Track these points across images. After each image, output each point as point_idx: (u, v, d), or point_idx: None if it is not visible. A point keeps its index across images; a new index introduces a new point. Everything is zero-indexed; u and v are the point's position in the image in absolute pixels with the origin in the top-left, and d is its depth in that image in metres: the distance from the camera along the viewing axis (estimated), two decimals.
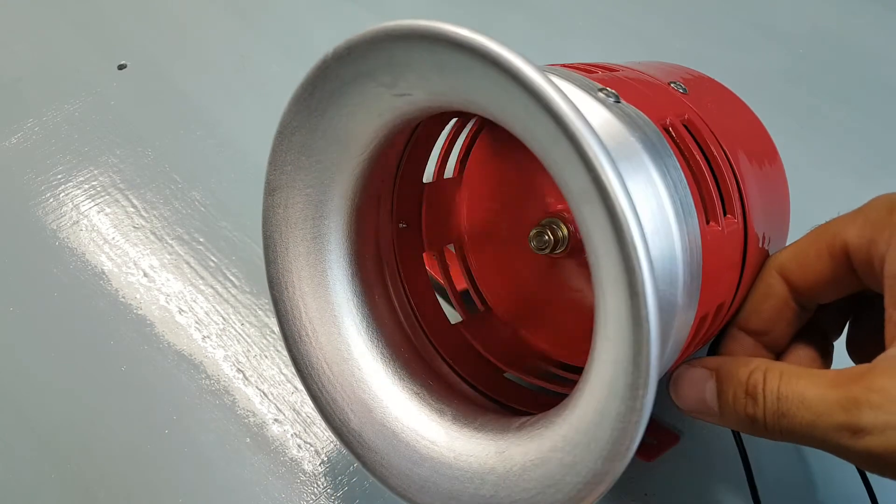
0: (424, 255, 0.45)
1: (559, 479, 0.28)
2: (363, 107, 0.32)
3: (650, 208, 0.29)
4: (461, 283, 0.47)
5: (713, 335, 0.40)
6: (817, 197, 0.59)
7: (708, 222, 0.33)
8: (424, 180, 0.44)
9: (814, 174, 0.61)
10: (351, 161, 0.36)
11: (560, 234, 0.39)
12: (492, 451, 0.33)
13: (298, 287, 0.39)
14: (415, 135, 0.40)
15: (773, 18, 0.75)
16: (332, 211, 0.38)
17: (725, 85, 0.45)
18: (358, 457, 0.37)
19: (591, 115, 0.30)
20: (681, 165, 0.32)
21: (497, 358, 0.43)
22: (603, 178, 0.23)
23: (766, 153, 0.42)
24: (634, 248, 0.23)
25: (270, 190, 0.37)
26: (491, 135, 0.43)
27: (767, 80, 0.68)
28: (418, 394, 0.38)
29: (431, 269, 0.47)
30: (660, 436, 0.44)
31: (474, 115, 0.40)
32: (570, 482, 0.28)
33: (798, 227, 0.56)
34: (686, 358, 0.39)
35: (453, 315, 0.46)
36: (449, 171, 0.45)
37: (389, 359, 0.39)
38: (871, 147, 0.62)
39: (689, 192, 0.31)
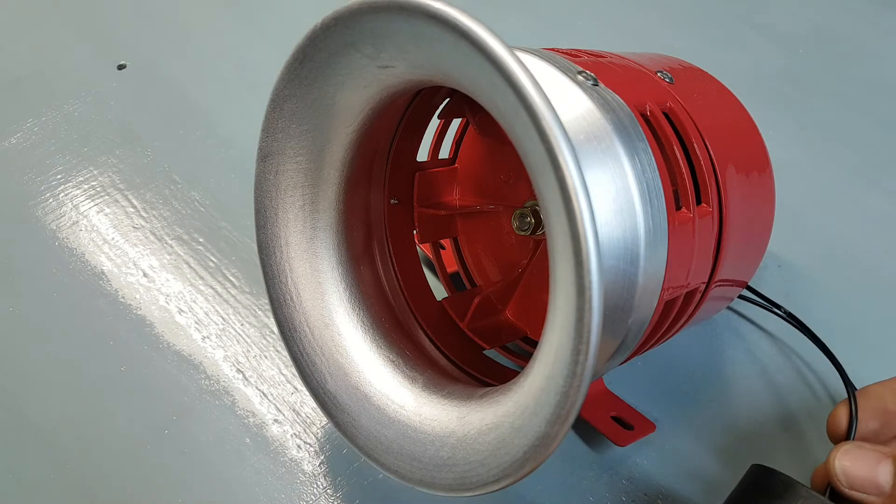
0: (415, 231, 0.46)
1: (509, 441, 0.29)
2: (350, 77, 0.33)
3: (615, 187, 0.30)
4: (451, 263, 0.48)
5: (687, 323, 0.40)
6: (817, 197, 0.59)
7: (679, 208, 0.34)
8: (419, 160, 0.45)
9: (813, 174, 0.60)
10: (340, 132, 0.37)
11: (541, 215, 0.40)
12: (454, 417, 0.34)
13: (286, 252, 0.40)
14: (407, 113, 0.41)
15: (772, 18, 0.75)
16: (321, 180, 0.39)
17: (725, 85, 0.46)
18: (331, 417, 0.38)
19: (565, 94, 0.31)
20: (654, 151, 0.32)
21: (479, 335, 0.44)
22: (555, 147, 0.24)
23: (752, 149, 0.42)
24: (581, 216, 0.24)
25: (263, 156, 0.38)
26: (486, 119, 0.44)
27: (767, 80, 0.68)
28: (394, 361, 0.39)
29: (422, 245, 0.48)
30: (637, 423, 0.45)
31: (459, 94, 0.41)
32: (518, 444, 0.29)
33: (796, 226, 0.56)
34: (659, 343, 0.40)
35: (439, 289, 0.47)
36: (443, 153, 0.46)
37: (369, 327, 0.40)
38: (871, 147, 0.62)
39: (658, 176, 0.32)
